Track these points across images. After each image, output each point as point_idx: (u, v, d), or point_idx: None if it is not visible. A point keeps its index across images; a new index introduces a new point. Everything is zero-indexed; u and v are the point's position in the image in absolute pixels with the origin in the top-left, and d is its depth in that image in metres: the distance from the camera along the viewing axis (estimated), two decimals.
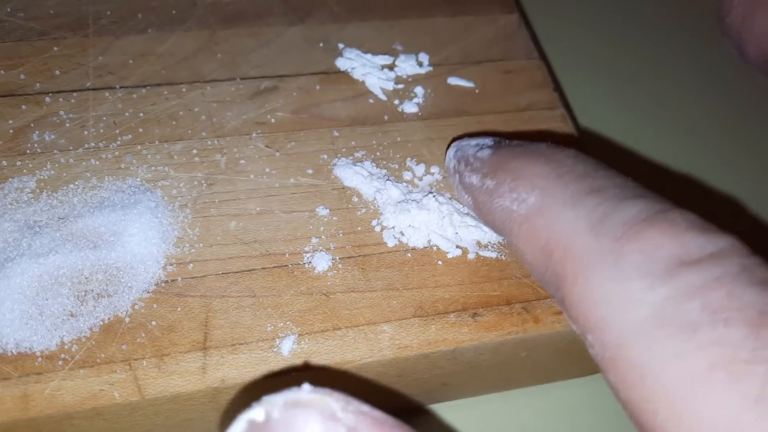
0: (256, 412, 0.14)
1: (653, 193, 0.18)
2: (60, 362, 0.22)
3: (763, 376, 0.13)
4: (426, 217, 0.26)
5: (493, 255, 0.26)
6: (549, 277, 0.18)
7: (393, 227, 0.26)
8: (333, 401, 0.14)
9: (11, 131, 0.27)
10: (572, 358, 0.27)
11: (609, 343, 0.16)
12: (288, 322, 0.23)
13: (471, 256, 0.25)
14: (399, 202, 0.26)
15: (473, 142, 0.23)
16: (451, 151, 0.24)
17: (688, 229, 0.16)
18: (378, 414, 0.15)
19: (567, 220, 0.18)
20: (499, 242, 0.26)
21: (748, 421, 0.13)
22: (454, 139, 0.26)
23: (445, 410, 0.28)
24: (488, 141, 0.23)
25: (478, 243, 0.26)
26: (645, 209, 0.17)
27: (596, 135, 0.38)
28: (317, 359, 0.23)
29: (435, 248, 0.26)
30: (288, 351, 0.23)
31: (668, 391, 0.14)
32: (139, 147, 0.27)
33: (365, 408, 0.14)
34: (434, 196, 0.26)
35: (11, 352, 0.22)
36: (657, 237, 0.16)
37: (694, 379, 0.14)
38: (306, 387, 0.14)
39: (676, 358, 0.14)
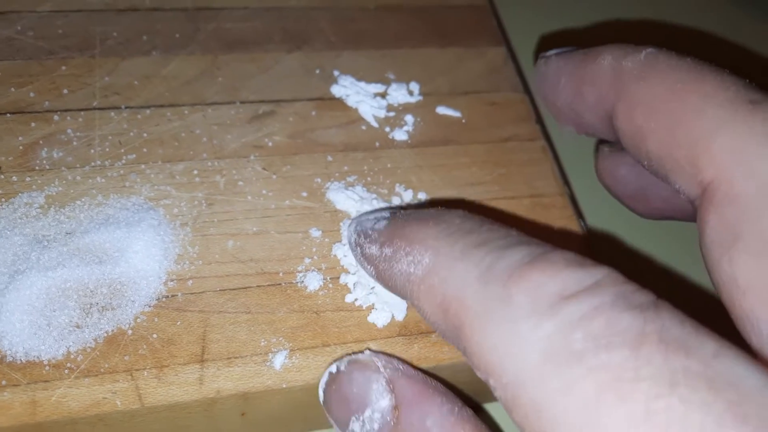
0: (332, 367, 0.24)
1: (535, 240, 0.19)
2: (66, 371, 0.23)
3: (647, 392, 0.14)
4: None
5: None
6: (449, 332, 0.19)
7: None
8: (378, 360, 0.23)
9: (21, 147, 0.28)
10: None
11: (508, 385, 0.17)
12: (280, 338, 0.25)
13: None
14: None
15: (371, 216, 0.24)
16: (351, 226, 0.25)
17: (566, 266, 0.17)
18: (411, 371, 0.23)
19: (458, 274, 0.19)
20: None
21: None
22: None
23: None
24: (385, 213, 0.24)
25: None
26: (527, 254, 0.18)
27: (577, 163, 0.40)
28: (307, 374, 0.24)
29: None
30: (280, 365, 0.24)
31: (565, 422, 0.15)
32: (143, 166, 0.29)
33: (402, 366, 0.23)
34: None
35: (20, 360, 0.23)
36: (539, 277, 0.17)
37: (586, 406, 0.15)
38: (366, 352, 0.25)
39: (567, 389, 0.15)
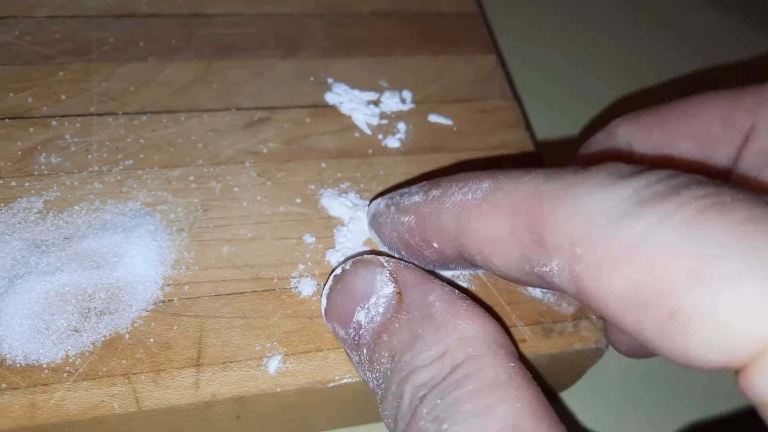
0: (337, 269, 0.25)
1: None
2: (65, 374, 0.24)
3: (747, 207, 0.16)
4: None
5: (464, 285, 0.28)
6: (520, 230, 0.19)
7: None
8: (381, 257, 0.24)
9: (20, 153, 0.29)
10: None
11: (597, 242, 0.17)
12: (275, 343, 0.26)
13: None
14: None
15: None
16: (376, 201, 0.26)
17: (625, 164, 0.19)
18: (411, 265, 0.24)
19: (524, 184, 0.19)
20: (470, 274, 0.28)
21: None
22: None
23: None
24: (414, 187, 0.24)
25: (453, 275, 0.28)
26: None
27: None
28: (301, 378, 0.25)
29: None
30: (274, 370, 0.25)
31: (666, 244, 0.16)
32: (139, 172, 0.29)
33: (402, 262, 0.24)
34: None
35: (20, 363, 0.24)
36: (609, 163, 0.18)
37: (685, 225, 0.16)
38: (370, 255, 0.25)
39: (666, 218, 0.16)
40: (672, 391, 0.33)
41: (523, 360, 0.22)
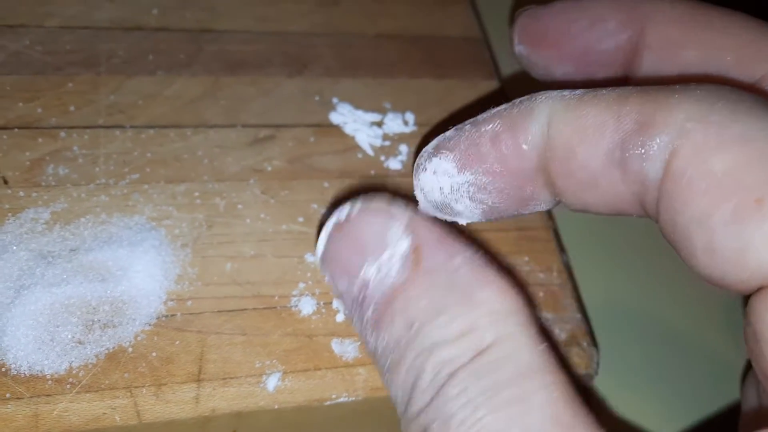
0: (341, 212, 0.21)
1: None
2: (68, 386, 0.24)
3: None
4: None
5: None
6: (625, 117, 0.19)
7: None
8: (393, 206, 0.21)
9: (28, 163, 0.29)
10: None
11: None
12: (274, 361, 0.26)
13: None
14: None
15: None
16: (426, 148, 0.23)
17: None
18: (427, 217, 0.21)
19: (629, 88, 0.20)
20: None
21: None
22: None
23: None
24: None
25: None
26: None
27: None
28: (299, 396, 0.26)
29: None
30: (273, 387, 0.25)
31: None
32: (145, 186, 0.30)
33: (417, 212, 0.21)
34: None
35: (24, 374, 0.24)
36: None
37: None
38: (378, 199, 0.21)
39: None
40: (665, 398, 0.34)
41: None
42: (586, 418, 0.18)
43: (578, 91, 0.20)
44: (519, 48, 0.29)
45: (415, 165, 0.22)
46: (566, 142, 0.20)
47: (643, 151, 0.18)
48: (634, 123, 0.19)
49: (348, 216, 0.21)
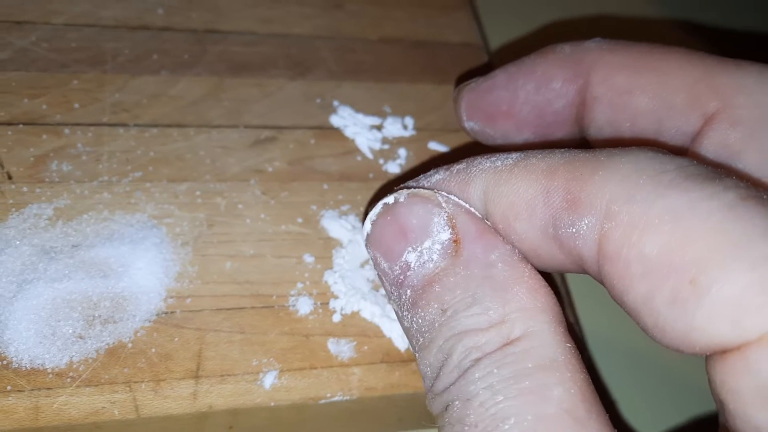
0: (389, 198, 0.22)
1: None
2: (68, 379, 0.24)
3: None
4: None
5: None
6: (553, 194, 0.20)
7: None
8: (439, 196, 0.22)
9: (32, 159, 0.29)
10: None
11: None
12: (271, 359, 0.27)
13: None
14: None
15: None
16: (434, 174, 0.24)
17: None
18: (471, 209, 0.22)
19: (560, 152, 0.21)
20: None
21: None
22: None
23: None
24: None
25: None
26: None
27: None
28: (295, 394, 0.26)
29: None
30: (269, 385, 0.26)
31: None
32: (148, 184, 0.30)
33: (463, 203, 0.22)
34: None
35: (25, 367, 0.24)
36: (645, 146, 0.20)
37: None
38: (431, 180, 0.23)
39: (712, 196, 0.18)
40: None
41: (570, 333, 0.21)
42: (600, 417, 0.19)
43: (510, 159, 0.21)
44: (470, 124, 0.30)
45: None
46: (502, 217, 0.21)
47: (573, 230, 0.19)
48: (562, 200, 0.19)
49: (395, 201, 0.22)
